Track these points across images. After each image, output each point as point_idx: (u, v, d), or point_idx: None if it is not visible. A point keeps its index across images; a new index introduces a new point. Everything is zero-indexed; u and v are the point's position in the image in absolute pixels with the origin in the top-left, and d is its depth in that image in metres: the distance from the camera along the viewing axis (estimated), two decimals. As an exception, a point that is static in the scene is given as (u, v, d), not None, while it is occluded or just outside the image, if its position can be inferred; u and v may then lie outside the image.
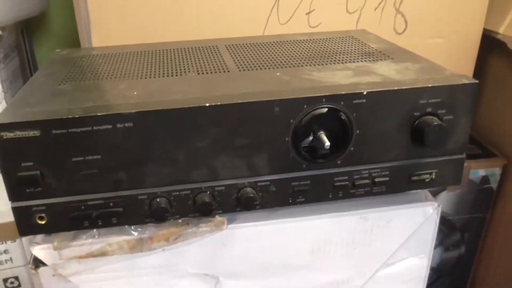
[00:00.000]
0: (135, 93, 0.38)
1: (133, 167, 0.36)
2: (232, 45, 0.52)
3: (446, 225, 0.89)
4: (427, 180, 0.41)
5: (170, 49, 0.52)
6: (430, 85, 0.37)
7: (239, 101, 0.35)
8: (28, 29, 0.94)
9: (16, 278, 0.78)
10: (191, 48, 0.52)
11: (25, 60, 0.93)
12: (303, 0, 0.67)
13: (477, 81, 0.38)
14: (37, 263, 0.39)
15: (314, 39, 0.54)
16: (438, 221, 0.45)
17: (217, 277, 0.43)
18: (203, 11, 0.64)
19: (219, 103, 0.35)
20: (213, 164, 0.37)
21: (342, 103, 0.37)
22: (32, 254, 0.39)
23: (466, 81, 0.38)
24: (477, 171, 0.84)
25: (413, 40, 0.72)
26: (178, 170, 0.37)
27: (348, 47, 0.50)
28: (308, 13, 0.67)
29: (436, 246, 0.91)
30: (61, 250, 0.39)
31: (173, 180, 0.37)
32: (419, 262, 0.47)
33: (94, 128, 0.34)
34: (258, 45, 0.52)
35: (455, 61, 0.75)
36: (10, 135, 0.33)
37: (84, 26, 0.63)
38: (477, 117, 0.94)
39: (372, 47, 0.50)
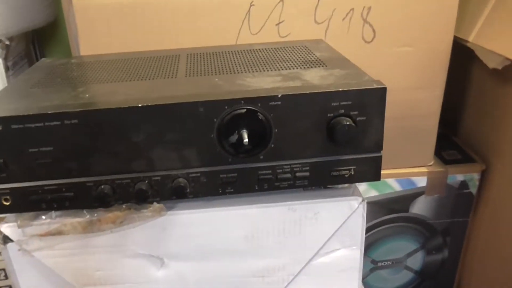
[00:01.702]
0: (87, 95, 0.45)
1: (81, 158, 0.43)
2: (193, 53, 0.58)
3: (426, 229, 0.92)
4: (346, 175, 0.46)
5: (139, 58, 0.58)
6: (340, 89, 0.42)
7: (167, 102, 0.41)
8: (40, 37, 1.03)
9: (3, 270, 0.84)
10: (158, 57, 0.58)
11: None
12: (273, 12, 0.72)
13: (385, 86, 0.43)
14: (6, 239, 0.46)
15: (269, 48, 0.59)
16: (364, 215, 0.49)
17: (162, 258, 0.49)
18: (180, 23, 0.71)
19: (149, 104, 0.41)
20: (150, 157, 0.43)
21: (259, 104, 0.42)
22: (1, 231, 0.46)
23: (375, 86, 0.43)
24: (454, 176, 0.87)
25: (382, 49, 0.76)
26: (119, 161, 0.43)
27: (294, 56, 0.55)
28: (277, 24, 0.73)
29: (418, 250, 0.94)
30: (24, 228, 0.45)
31: (116, 170, 0.43)
32: (351, 253, 0.51)
33: (46, 124, 0.41)
34: (215, 54, 0.58)
35: (426, 69, 0.78)
36: (-23, 128, 0.41)
37: (73, 37, 0.71)
38: (462, 123, 0.96)
39: (315, 55, 0.55)
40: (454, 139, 0.96)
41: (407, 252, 0.93)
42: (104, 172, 0.43)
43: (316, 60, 0.53)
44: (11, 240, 0.46)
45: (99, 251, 0.47)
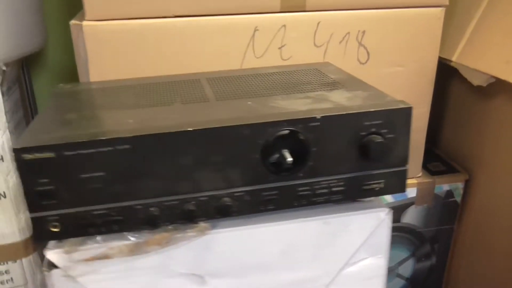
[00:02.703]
0: (131, 121, 0.46)
1: (131, 182, 0.44)
2: (212, 78, 0.61)
3: (416, 237, 0.97)
4: (376, 189, 0.49)
5: (158, 83, 0.60)
6: (372, 110, 0.46)
7: (216, 126, 0.44)
8: (27, 63, 1.03)
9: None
10: (177, 81, 0.61)
11: (24, 92, 1.01)
12: (275, 36, 0.76)
13: (411, 106, 0.47)
14: (50, 266, 0.46)
15: (283, 72, 0.63)
16: (390, 225, 0.53)
17: (202, 276, 0.50)
18: (187, 48, 0.73)
19: (199, 128, 0.43)
20: (197, 178, 0.45)
21: (300, 126, 0.45)
22: (45, 258, 0.46)
23: (402, 106, 0.47)
24: (441, 186, 0.93)
25: (376, 69, 0.81)
26: (167, 183, 0.45)
27: (311, 78, 0.59)
28: (280, 48, 0.77)
29: (408, 258, 0.99)
30: (71, 253, 0.46)
31: (164, 192, 0.45)
32: (377, 262, 0.54)
33: (98, 149, 0.42)
34: (235, 78, 0.61)
35: (415, 86, 0.84)
36: (29, 156, 0.41)
37: (82, 63, 0.72)
38: (442, 136, 1.03)
39: (331, 78, 0.59)
40: (436, 152, 1.02)
41: (399, 261, 0.98)
42: (152, 195, 0.45)
43: (334, 82, 0.57)
44: (56, 267, 0.46)
45: (143, 273, 0.48)
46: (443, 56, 0.86)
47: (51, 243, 0.47)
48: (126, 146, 0.43)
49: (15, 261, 0.93)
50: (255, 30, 0.74)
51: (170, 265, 0.49)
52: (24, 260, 0.94)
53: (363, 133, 0.47)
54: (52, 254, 0.46)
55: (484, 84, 0.76)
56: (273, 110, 0.48)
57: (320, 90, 0.54)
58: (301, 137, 0.45)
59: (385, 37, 0.80)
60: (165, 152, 0.44)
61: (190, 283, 0.50)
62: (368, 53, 0.81)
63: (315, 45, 0.78)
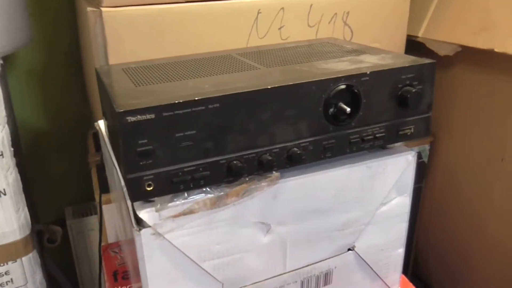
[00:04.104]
0: (207, 86, 0.51)
1: (217, 138, 0.49)
2: (242, 53, 0.66)
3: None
4: (408, 133, 0.58)
5: (198, 59, 0.64)
6: (407, 65, 0.55)
7: (291, 83, 0.50)
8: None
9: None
10: (211, 57, 0.65)
11: (5, 90, 0.99)
12: (275, 18, 0.83)
13: (434, 61, 0.57)
14: (140, 225, 0.50)
15: (302, 45, 0.70)
16: (415, 166, 0.62)
17: (269, 224, 0.56)
18: (198, 31, 0.78)
19: (277, 85, 0.49)
20: (272, 132, 0.51)
21: (354, 80, 0.53)
22: (134, 219, 0.49)
23: (428, 61, 0.56)
24: (412, 148, 1.05)
25: (358, 46, 0.91)
26: (248, 138, 0.50)
27: (332, 48, 0.67)
28: (279, 28, 0.84)
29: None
30: (161, 211, 0.49)
31: (244, 147, 0.50)
32: (404, 200, 0.64)
33: (193, 109, 0.47)
34: (264, 52, 0.67)
35: (388, 61, 0.96)
36: (133, 118, 0.45)
37: (99, 47, 0.74)
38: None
39: (348, 47, 0.67)
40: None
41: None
42: (234, 150, 0.50)
43: (354, 50, 0.65)
44: (146, 226, 0.49)
45: (220, 225, 0.53)
46: (410, 33, 0.98)
47: (137, 203, 0.50)
48: (216, 105, 0.47)
49: (15, 261, 0.91)
50: (258, 12, 0.81)
51: (244, 216, 0.54)
52: (24, 258, 0.92)
53: (400, 85, 0.55)
54: (145, 213, 0.49)
55: (452, 54, 0.89)
56: (325, 71, 0.55)
57: (349, 56, 0.62)
58: (355, 90, 0.53)
59: (365, 17, 0.91)
60: (247, 109, 0.49)
61: (258, 231, 0.56)
62: (352, 31, 0.90)
63: (308, 25, 0.86)
